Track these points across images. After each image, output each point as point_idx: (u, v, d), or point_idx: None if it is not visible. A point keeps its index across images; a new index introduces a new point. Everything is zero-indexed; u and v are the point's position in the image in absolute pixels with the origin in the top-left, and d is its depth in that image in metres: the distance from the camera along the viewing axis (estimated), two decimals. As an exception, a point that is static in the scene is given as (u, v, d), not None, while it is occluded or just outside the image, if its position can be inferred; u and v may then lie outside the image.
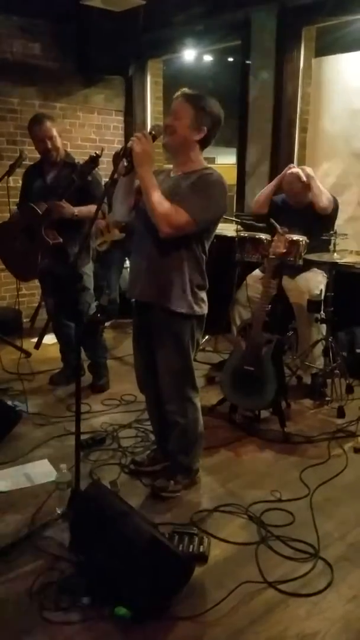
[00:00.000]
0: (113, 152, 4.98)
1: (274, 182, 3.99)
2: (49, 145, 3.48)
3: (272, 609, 1.95)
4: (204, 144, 2.38)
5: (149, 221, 2.30)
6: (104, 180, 3.81)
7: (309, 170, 3.78)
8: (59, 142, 3.53)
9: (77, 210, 3.41)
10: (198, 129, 2.32)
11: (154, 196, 2.24)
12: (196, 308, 2.43)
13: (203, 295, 2.48)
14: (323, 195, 3.69)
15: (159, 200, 2.24)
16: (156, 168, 2.40)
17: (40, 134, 3.47)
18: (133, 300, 2.58)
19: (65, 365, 4.02)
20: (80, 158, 3.72)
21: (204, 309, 2.48)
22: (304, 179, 3.74)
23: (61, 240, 3.43)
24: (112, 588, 1.94)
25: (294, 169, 3.84)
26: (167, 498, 2.58)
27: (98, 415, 3.44)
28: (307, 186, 3.76)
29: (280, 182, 3.91)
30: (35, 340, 4.64)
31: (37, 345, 4.48)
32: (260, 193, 4.07)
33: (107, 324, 5.28)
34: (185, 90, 2.37)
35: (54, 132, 3.49)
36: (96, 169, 3.41)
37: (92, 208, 3.40)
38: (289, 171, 3.83)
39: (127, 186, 2.40)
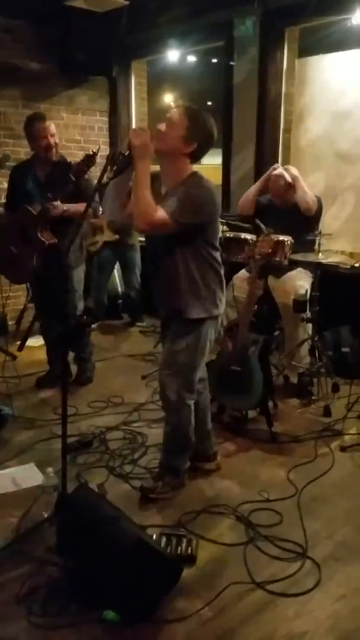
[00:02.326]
0: (99, 154, 4.98)
1: (258, 183, 3.99)
2: (52, 142, 3.49)
3: (260, 610, 1.95)
4: (193, 157, 2.38)
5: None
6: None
7: (293, 170, 3.79)
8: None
9: (65, 207, 3.39)
10: (189, 142, 2.32)
11: (140, 189, 2.25)
12: (212, 310, 2.46)
13: (221, 293, 2.50)
14: (307, 195, 3.70)
15: (143, 195, 2.25)
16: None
17: (44, 131, 3.46)
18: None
19: (51, 368, 4.00)
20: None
21: (220, 309, 2.50)
22: (289, 179, 3.75)
23: (56, 240, 3.39)
24: (100, 592, 1.92)
25: (279, 169, 3.85)
26: (155, 500, 2.57)
27: (85, 417, 3.42)
28: (291, 187, 3.78)
29: (264, 183, 3.91)
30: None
31: (20, 347, 4.44)
32: (245, 194, 4.07)
33: (93, 325, 5.27)
34: (186, 102, 2.40)
35: (54, 129, 3.50)
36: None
37: (81, 206, 3.40)
38: (274, 172, 3.84)
39: (120, 186, 2.40)
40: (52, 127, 3.49)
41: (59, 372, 3.84)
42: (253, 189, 4.01)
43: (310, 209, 3.69)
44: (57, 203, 3.35)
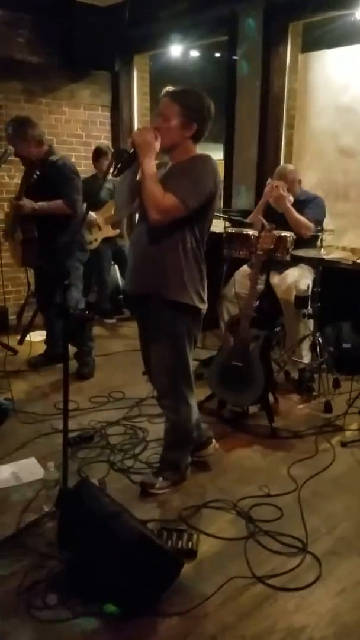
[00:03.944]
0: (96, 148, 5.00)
1: (262, 200, 3.85)
2: (23, 156, 3.73)
3: (260, 604, 1.96)
4: (196, 137, 2.37)
5: (146, 213, 2.33)
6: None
7: (285, 199, 3.66)
8: (25, 148, 3.67)
9: (37, 205, 3.64)
10: (188, 126, 2.32)
11: (148, 183, 2.27)
12: (196, 301, 2.41)
13: (201, 290, 2.46)
14: (301, 226, 3.63)
15: (151, 187, 2.26)
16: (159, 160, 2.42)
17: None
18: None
19: (46, 349, 4.17)
20: (66, 154, 3.76)
21: (201, 304, 2.45)
22: (272, 201, 3.69)
23: (35, 235, 3.66)
24: (101, 585, 1.93)
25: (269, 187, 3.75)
26: (155, 495, 2.57)
27: (86, 412, 3.43)
28: (294, 182, 3.78)
29: (265, 200, 3.80)
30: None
31: (21, 341, 4.49)
32: (254, 212, 3.93)
33: (112, 321, 5.31)
34: (170, 88, 2.36)
35: (12, 144, 3.67)
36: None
37: (55, 203, 3.66)
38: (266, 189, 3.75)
39: (130, 180, 2.41)
40: (12, 141, 3.68)
41: (54, 353, 4.06)
42: (259, 207, 3.86)
43: (307, 234, 3.63)
44: (24, 202, 3.62)
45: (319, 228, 3.57)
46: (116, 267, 5.48)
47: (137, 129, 2.34)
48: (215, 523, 2.39)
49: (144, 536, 1.92)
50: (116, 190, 2.57)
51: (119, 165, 2.36)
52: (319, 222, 3.72)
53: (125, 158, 2.32)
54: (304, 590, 2.02)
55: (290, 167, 3.96)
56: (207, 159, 2.35)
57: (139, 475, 2.71)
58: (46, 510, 2.36)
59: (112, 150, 5.17)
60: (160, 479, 2.61)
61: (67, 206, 3.66)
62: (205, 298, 2.49)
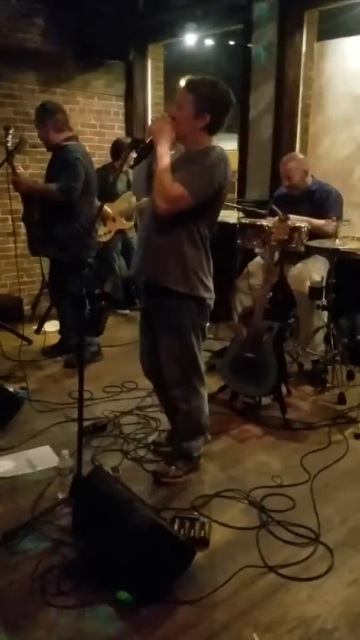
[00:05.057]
0: (114, 139, 5.10)
1: None
2: (40, 136, 3.85)
3: (273, 593, 1.96)
4: (211, 129, 2.35)
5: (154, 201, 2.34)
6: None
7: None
8: (46, 133, 3.79)
9: (32, 184, 3.78)
10: (200, 116, 2.30)
11: (159, 172, 2.27)
12: (199, 291, 2.40)
13: (207, 280, 2.44)
14: (326, 230, 3.58)
15: (161, 176, 2.27)
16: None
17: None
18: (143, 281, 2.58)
19: (60, 339, 4.20)
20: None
21: (205, 294, 2.44)
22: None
23: (36, 217, 3.73)
24: (114, 572, 1.95)
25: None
26: (168, 483, 2.59)
27: (99, 402, 3.45)
28: (305, 173, 3.75)
29: None
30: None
31: (38, 330, 4.53)
32: None
33: (127, 311, 5.33)
34: (189, 77, 2.35)
35: (41, 127, 3.81)
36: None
37: (49, 186, 3.73)
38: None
39: (147, 170, 2.42)
40: (40, 125, 3.82)
41: (66, 344, 4.09)
42: None
43: (333, 233, 3.51)
44: (21, 179, 3.76)
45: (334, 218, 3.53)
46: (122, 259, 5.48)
47: (155, 117, 2.34)
48: (228, 512, 2.41)
49: (156, 524, 1.93)
50: (133, 180, 2.59)
51: (135, 156, 2.38)
52: (340, 203, 3.68)
53: (142, 148, 2.34)
54: (316, 580, 2.03)
55: (299, 156, 3.91)
56: (218, 152, 2.33)
57: (152, 464, 2.73)
58: (60, 497, 2.39)
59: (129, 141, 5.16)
60: (173, 468, 2.63)
61: (58, 190, 3.64)
62: (212, 287, 2.48)
